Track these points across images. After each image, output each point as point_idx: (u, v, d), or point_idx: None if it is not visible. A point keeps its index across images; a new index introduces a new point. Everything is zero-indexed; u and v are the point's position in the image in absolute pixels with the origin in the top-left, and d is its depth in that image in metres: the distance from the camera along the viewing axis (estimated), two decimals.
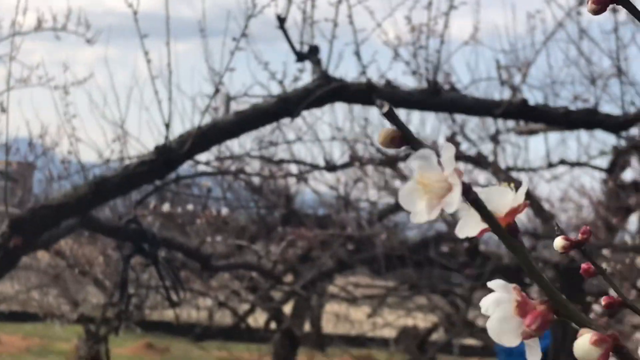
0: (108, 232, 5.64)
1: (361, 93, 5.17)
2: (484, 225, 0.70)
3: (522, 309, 0.68)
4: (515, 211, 0.72)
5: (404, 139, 0.69)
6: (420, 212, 0.69)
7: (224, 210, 6.58)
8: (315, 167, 7.66)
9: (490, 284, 0.70)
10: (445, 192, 0.68)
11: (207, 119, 5.35)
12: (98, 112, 6.72)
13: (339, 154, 8.50)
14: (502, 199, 0.71)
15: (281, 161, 7.66)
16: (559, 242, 1.06)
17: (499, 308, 0.68)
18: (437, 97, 5.19)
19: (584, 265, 1.11)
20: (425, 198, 0.68)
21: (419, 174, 0.68)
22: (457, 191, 0.67)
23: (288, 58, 5.56)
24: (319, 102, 5.22)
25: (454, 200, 0.67)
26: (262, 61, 5.88)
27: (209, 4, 6.64)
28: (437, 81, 5.25)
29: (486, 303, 0.69)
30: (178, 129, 8.39)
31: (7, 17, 6.06)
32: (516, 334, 0.67)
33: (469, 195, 0.68)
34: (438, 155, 0.69)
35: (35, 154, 6.92)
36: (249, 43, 5.68)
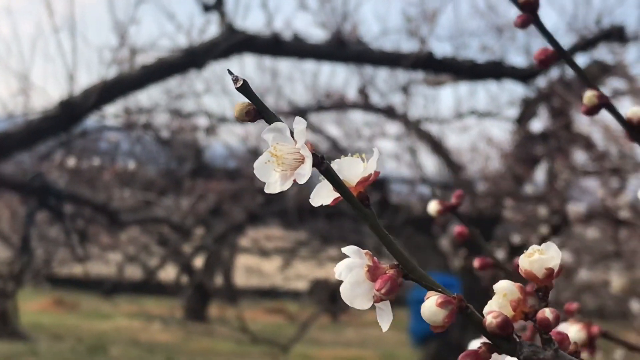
0: (12, 187, 5.55)
1: (268, 45, 5.15)
2: (337, 195, 0.71)
3: (373, 273, 0.68)
4: (365, 180, 0.73)
5: (259, 112, 0.71)
6: (274, 183, 0.72)
7: (131, 164, 6.51)
8: (224, 119, 7.60)
9: (345, 250, 0.71)
10: (297, 163, 0.70)
11: (112, 72, 5.28)
12: (1, 63, 6.58)
13: None
14: (353, 170, 0.72)
15: (190, 114, 7.58)
16: (432, 206, 1.06)
17: (351, 273, 0.69)
18: (344, 49, 5.19)
19: (457, 228, 1.11)
20: (278, 169, 0.71)
21: (272, 146, 0.70)
22: (309, 163, 0.69)
23: (194, 9, 5.51)
24: (226, 54, 5.19)
25: (306, 172, 0.69)
26: (168, 13, 5.81)
27: None
28: (342, 33, 5.25)
29: (339, 268, 0.70)
30: (84, 81, 8.23)
31: None
32: (368, 298, 0.68)
33: (321, 166, 0.70)
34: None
35: None
36: None
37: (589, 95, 0.91)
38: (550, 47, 0.92)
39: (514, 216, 5.00)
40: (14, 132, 5.05)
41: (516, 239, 5.41)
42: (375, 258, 0.70)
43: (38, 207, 5.51)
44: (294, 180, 0.70)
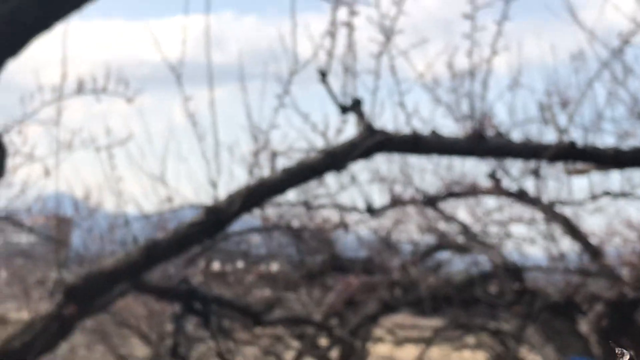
0: (160, 293, 5.64)
1: (407, 143, 5.16)
2: None
3: None
4: None
5: None
6: None
7: (274, 266, 6.58)
8: (356, 211, 7.62)
9: None
10: None
11: (254, 176, 5.35)
12: (137, 165, 6.70)
13: (378, 196, 8.44)
14: None
15: (322, 206, 7.62)
16: None
17: None
18: (483, 143, 5.16)
19: None
20: None
21: None
22: None
23: (329, 107, 5.54)
24: (365, 155, 5.21)
25: None
26: (303, 112, 5.84)
27: (242, 47, 6.60)
28: (482, 128, 5.23)
29: None
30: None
31: (49, 82, 6.10)
32: None
33: None
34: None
35: (80, 215, 6.96)
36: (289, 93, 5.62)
37: None
38: None
39: None
40: (161, 240, 5.14)
41: None
42: None
43: (185, 312, 5.58)
44: None
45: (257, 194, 5.17)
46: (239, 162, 6.01)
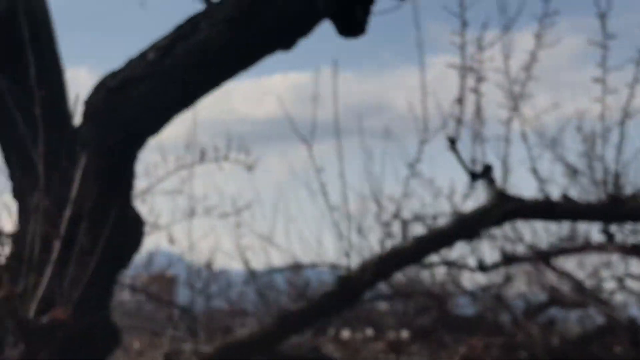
0: None
1: (541, 210, 5.12)
2: None
3: None
4: None
5: None
6: None
7: (404, 333, 6.55)
8: (467, 268, 7.54)
9: None
10: None
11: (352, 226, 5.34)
12: (246, 224, 6.71)
13: (489, 252, 8.36)
14: None
15: (431, 264, 7.56)
16: None
17: None
18: (619, 208, 5.10)
19: None
20: None
21: None
22: None
23: (454, 173, 5.53)
24: (498, 222, 5.18)
25: None
26: (428, 179, 5.83)
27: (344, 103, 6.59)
28: (617, 192, 5.17)
29: None
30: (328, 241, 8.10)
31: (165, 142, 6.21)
32: None
33: None
34: None
35: (195, 278, 7.02)
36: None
37: None
38: None
39: None
40: (296, 311, 5.16)
41: None
42: None
43: None
44: None
45: (389, 263, 5.17)
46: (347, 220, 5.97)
